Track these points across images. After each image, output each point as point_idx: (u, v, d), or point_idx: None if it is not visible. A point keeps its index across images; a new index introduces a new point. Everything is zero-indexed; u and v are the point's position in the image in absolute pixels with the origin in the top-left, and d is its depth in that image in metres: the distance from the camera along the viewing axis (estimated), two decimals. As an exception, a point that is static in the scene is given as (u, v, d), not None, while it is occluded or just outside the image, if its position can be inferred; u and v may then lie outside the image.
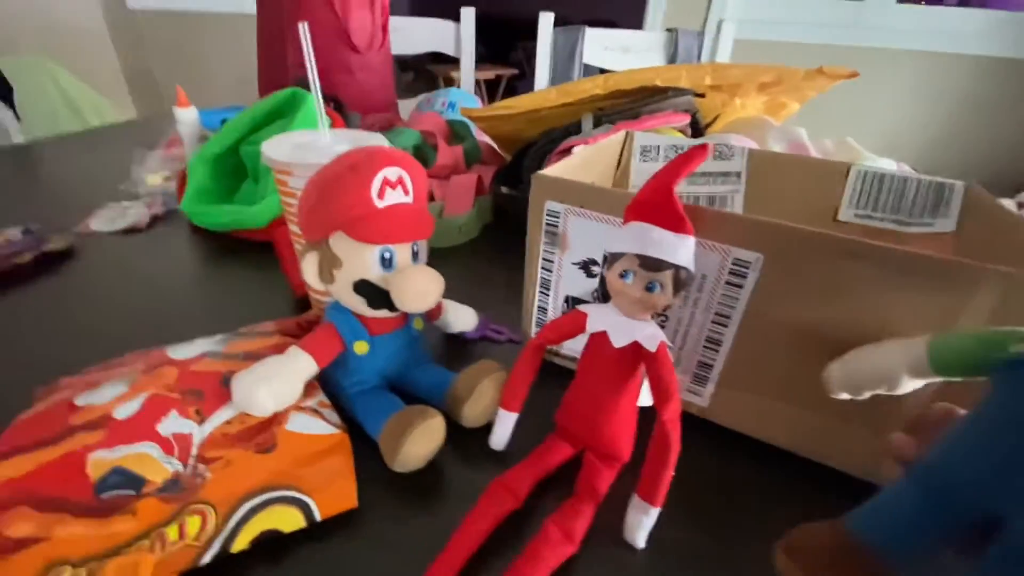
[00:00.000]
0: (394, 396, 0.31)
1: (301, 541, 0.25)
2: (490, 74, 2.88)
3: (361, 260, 0.28)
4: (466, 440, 0.31)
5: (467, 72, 1.16)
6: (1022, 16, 1.81)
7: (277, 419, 0.29)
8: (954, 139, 2.03)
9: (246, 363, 0.29)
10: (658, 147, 0.45)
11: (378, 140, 0.36)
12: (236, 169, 0.61)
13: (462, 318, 0.38)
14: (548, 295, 0.35)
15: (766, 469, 0.31)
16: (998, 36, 1.85)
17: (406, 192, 0.29)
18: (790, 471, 0.30)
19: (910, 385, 0.22)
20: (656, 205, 0.25)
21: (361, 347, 0.30)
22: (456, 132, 0.70)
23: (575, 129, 0.56)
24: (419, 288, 0.28)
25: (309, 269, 0.29)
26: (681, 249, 0.25)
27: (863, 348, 0.24)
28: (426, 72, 3.07)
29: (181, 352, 0.31)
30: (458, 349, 0.40)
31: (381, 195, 0.27)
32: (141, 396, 0.27)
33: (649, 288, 0.25)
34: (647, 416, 0.29)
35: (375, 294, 0.28)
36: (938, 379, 0.21)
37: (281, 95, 0.60)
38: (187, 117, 0.69)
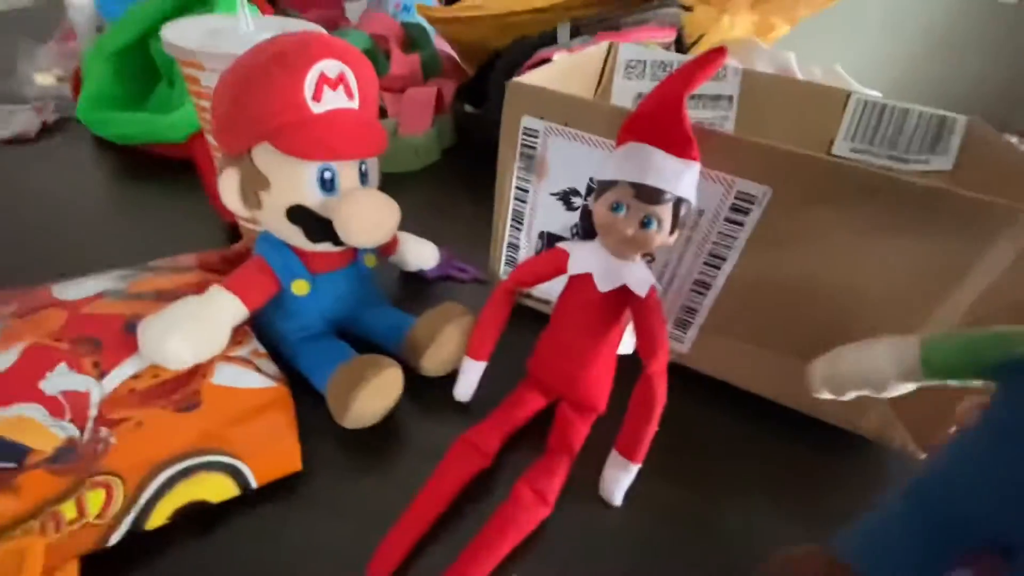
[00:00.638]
0: (343, 344, 0.27)
1: (235, 511, 0.22)
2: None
3: (294, 180, 0.22)
4: (426, 391, 0.28)
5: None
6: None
7: (200, 372, 0.24)
8: (956, 74, 1.99)
9: (156, 304, 0.24)
10: (645, 62, 0.39)
11: (313, 28, 0.29)
12: (146, 69, 0.51)
13: (421, 254, 0.34)
14: (520, 229, 0.31)
15: (746, 420, 0.29)
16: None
17: (350, 95, 0.23)
18: (772, 422, 0.29)
19: (899, 389, 0.20)
20: (661, 122, 0.21)
21: (300, 287, 0.25)
22: (413, 38, 0.61)
23: (550, 39, 0.50)
24: (369, 217, 0.23)
25: (228, 190, 0.23)
26: (685, 177, 0.21)
27: (849, 347, 0.21)
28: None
29: (71, 291, 0.25)
30: (417, 289, 0.36)
31: (317, 96, 0.22)
32: (17, 347, 0.22)
33: (645, 223, 0.21)
34: (624, 363, 0.26)
35: (314, 223, 0.23)
36: (931, 383, 0.18)
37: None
38: (79, 4, 0.56)
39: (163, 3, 0.48)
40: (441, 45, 0.63)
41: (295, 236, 0.24)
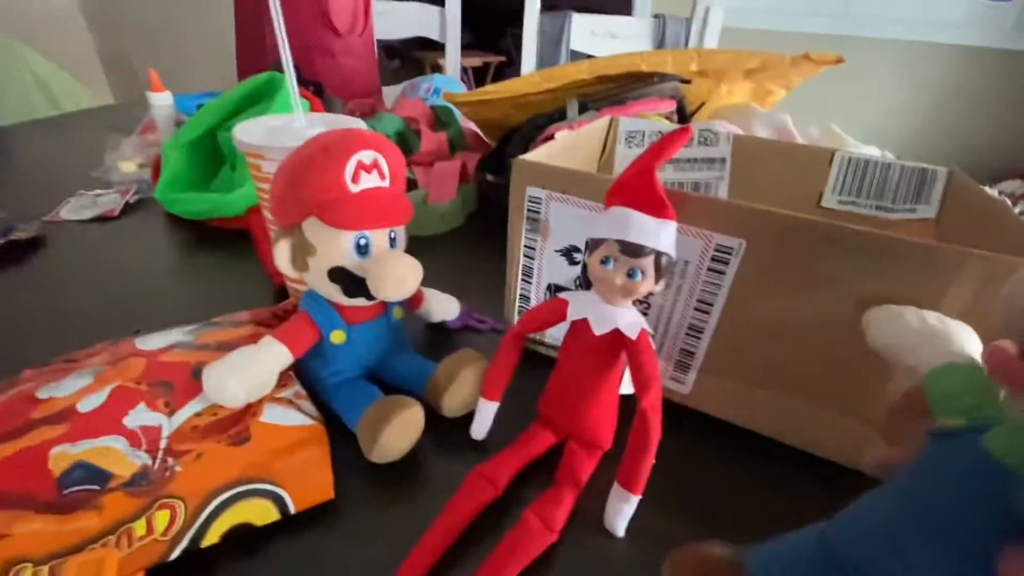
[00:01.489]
0: (373, 386, 0.30)
1: (275, 534, 0.25)
2: (477, 61, 2.84)
3: (335, 246, 0.27)
4: (446, 430, 0.30)
5: (453, 58, 1.14)
6: (1010, 6, 1.83)
7: (251, 410, 0.28)
8: (935, 128, 2.05)
9: (218, 353, 0.28)
10: (643, 132, 0.44)
11: (355, 123, 0.35)
12: (213, 155, 0.59)
13: (444, 307, 0.37)
14: (531, 283, 0.35)
15: (748, 457, 0.31)
16: (979, 25, 1.86)
17: (382, 176, 0.28)
18: (773, 459, 0.30)
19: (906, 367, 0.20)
20: (637, 189, 0.25)
21: (338, 336, 0.29)
22: (440, 118, 0.68)
23: (560, 115, 0.56)
24: (396, 275, 0.27)
25: (282, 256, 0.28)
26: (663, 234, 0.25)
27: (908, 310, 0.22)
28: (412, 59, 3.02)
29: (150, 343, 0.30)
30: (440, 339, 0.40)
31: (355, 179, 0.27)
32: (107, 388, 0.26)
33: (631, 274, 0.25)
34: (629, 404, 0.28)
35: (351, 282, 0.27)
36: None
37: (259, 79, 0.58)
38: (161, 101, 0.67)
39: (229, 102, 0.57)
40: (466, 123, 0.71)
41: (335, 293, 0.28)
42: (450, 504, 0.25)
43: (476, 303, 0.42)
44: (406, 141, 0.65)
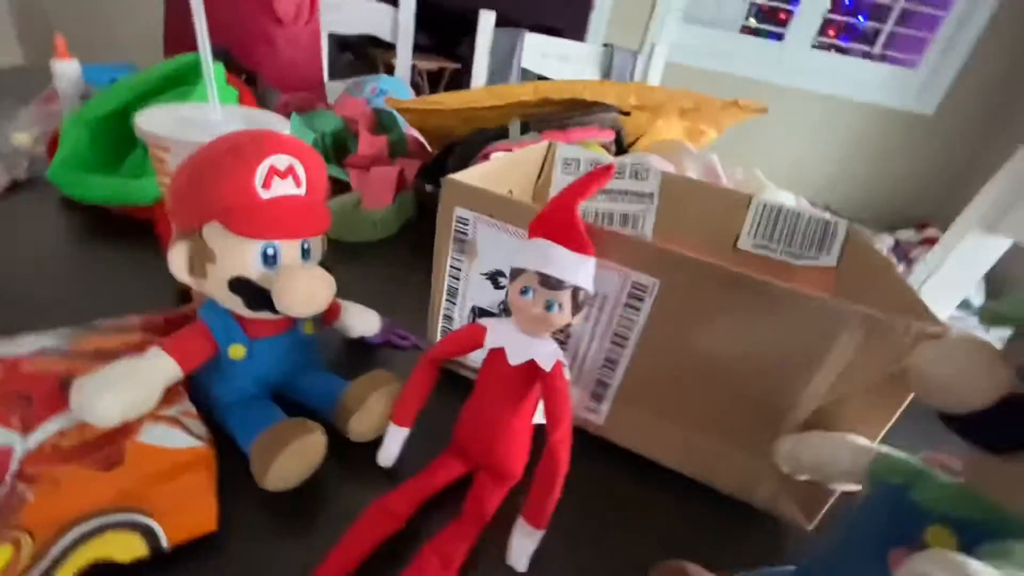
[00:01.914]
0: (274, 407, 0.28)
1: (144, 573, 0.22)
2: (433, 65, 2.82)
3: (239, 255, 0.25)
4: (354, 455, 0.29)
5: (403, 60, 1.12)
6: (916, 73, 2.05)
7: (127, 430, 0.25)
8: (849, 177, 2.26)
9: (94, 364, 0.25)
10: (579, 160, 0.45)
11: (280, 124, 0.33)
12: (124, 137, 0.54)
13: (364, 322, 0.36)
14: (455, 304, 0.34)
15: (654, 487, 0.31)
16: (894, 88, 2.07)
17: (298, 183, 0.26)
18: (678, 491, 0.31)
19: (842, 485, 0.24)
20: (559, 224, 0.25)
21: (237, 351, 0.27)
22: (382, 122, 0.67)
23: (503, 133, 0.56)
24: (306, 291, 0.25)
25: (177, 260, 0.25)
26: (581, 270, 0.25)
27: (816, 435, 0.25)
28: (365, 56, 2.94)
29: (9, 347, 0.27)
30: (359, 355, 0.38)
31: (267, 185, 0.25)
32: (-54, 400, 0.23)
33: (548, 307, 0.25)
34: (542, 434, 0.28)
35: (254, 294, 0.26)
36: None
37: (185, 59, 0.54)
38: (67, 71, 0.60)
39: (147, 80, 0.53)
40: (410, 129, 0.69)
41: (235, 304, 0.26)
42: (346, 537, 0.23)
43: (402, 318, 0.41)
44: (343, 142, 0.63)
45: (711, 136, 0.66)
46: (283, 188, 0.26)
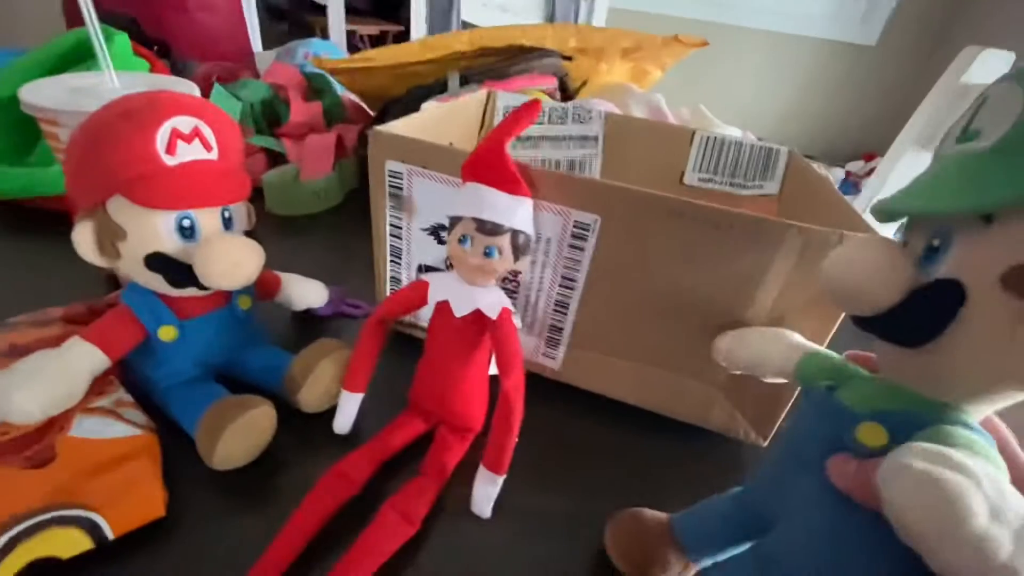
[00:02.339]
0: (216, 386, 0.27)
1: (89, 565, 0.21)
2: (374, 29, 2.67)
3: (150, 229, 0.23)
4: (308, 426, 0.28)
5: (336, 22, 1.06)
6: (856, 3, 2.06)
7: (57, 425, 0.24)
8: (798, 113, 2.29)
9: (7, 361, 0.23)
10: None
11: (184, 86, 0.30)
12: (26, 123, 0.50)
13: (308, 293, 0.35)
14: (400, 264, 0.33)
15: (614, 425, 0.32)
16: (836, 20, 2.08)
17: (207, 147, 0.24)
18: (638, 425, 0.32)
19: (773, 379, 0.24)
20: (490, 165, 0.24)
21: (168, 333, 0.26)
22: (315, 87, 0.63)
23: (441, 87, 0.53)
24: (228, 260, 0.24)
25: (83, 242, 0.23)
26: (518, 212, 0.24)
27: (752, 332, 0.25)
28: (304, 23, 2.77)
29: (-90, 352, 0.24)
30: (310, 328, 0.37)
31: (171, 150, 0.23)
32: None
33: (487, 253, 0.24)
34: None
35: (175, 269, 0.24)
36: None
37: (83, 33, 0.49)
38: (-48, 54, 0.54)
39: (45, 58, 0.48)
40: (347, 93, 0.66)
41: (157, 283, 0.24)
42: (300, 508, 0.23)
43: (353, 287, 0.40)
44: (275, 111, 0.59)
45: (656, 76, 0.65)
46: (191, 153, 0.24)
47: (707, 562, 0.22)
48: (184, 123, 0.23)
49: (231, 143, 0.26)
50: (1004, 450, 0.14)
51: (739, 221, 0.24)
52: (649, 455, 0.31)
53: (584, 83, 0.62)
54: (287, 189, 0.50)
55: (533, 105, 0.24)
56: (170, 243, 0.24)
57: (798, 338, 0.24)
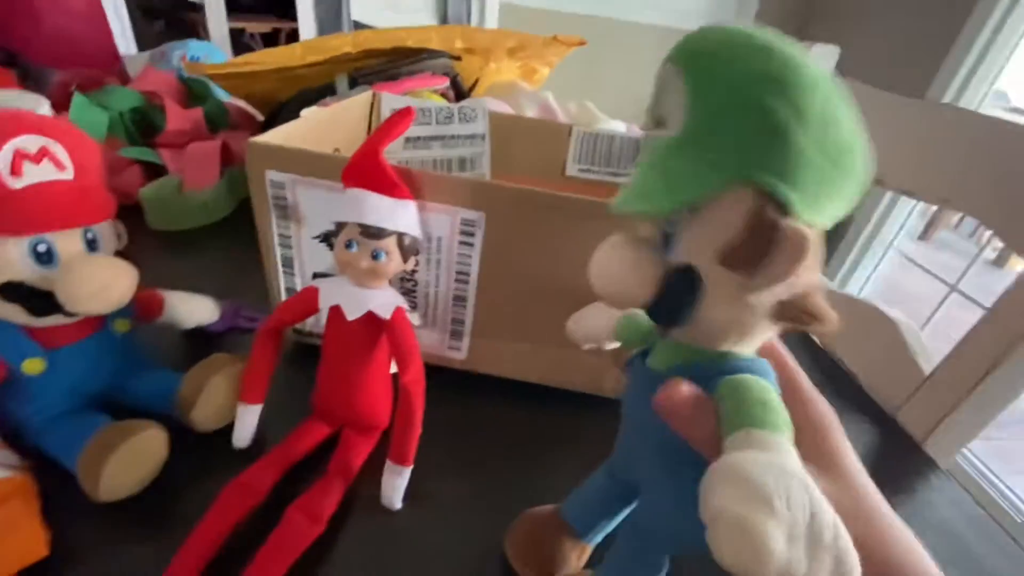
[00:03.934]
0: (97, 415, 0.26)
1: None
2: (266, 26, 2.51)
3: (1, 258, 0.22)
4: (205, 446, 0.28)
5: (216, 20, 0.99)
6: None
7: (-91, 479, 0.22)
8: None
9: None
10: (408, 110, 0.44)
11: (34, 102, 0.28)
12: None
13: (196, 310, 0.33)
14: (293, 274, 0.33)
15: (522, 404, 0.34)
16: (715, 15, 2.26)
17: (59, 167, 0.23)
18: (542, 402, 0.34)
19: (611, 345, 0.25)
20: (368, 172, 0.25)
21: (33, 366, 0.24)
22: (194, 92, 0.60)
23: (330, 90, 0.53)
24: (93, 283, 0.23)
25: (-79, 278, 0.21)
26: (400, 214, 0.25)
27: (586, 308, 0.26)
28: (182, 22, 2.54)
29: None
30: (203, 346, 0.36)
31: (16, 171, 0.21)
32: None
33: (375, 256, 0.25)
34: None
35: (34, 298, 0.23)
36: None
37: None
38: None
39: None
40: (235, 98, 0.63)
41: (15, 314, 0.23)
42: (200, 524, 0.23)
43: (249, 300, 0.39)
44: (149, 119, 0.55)
45: (544, 73, 0.68)
46: (40, 174, 0.22)
47: (598, 538, 0.24)
48: (29, 143, 0.22)
49: (88, 160, 0.25)
50: (782, 370, 0.17)
51: (600, 209, 0.27)
52: (553, 427, 0.33)
53: (476, 82, 0.63)
54: (169, 203, 0.48)
55: (405, 112, 0.25)
56: (25, 270, 0.22)
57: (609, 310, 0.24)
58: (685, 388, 0.15)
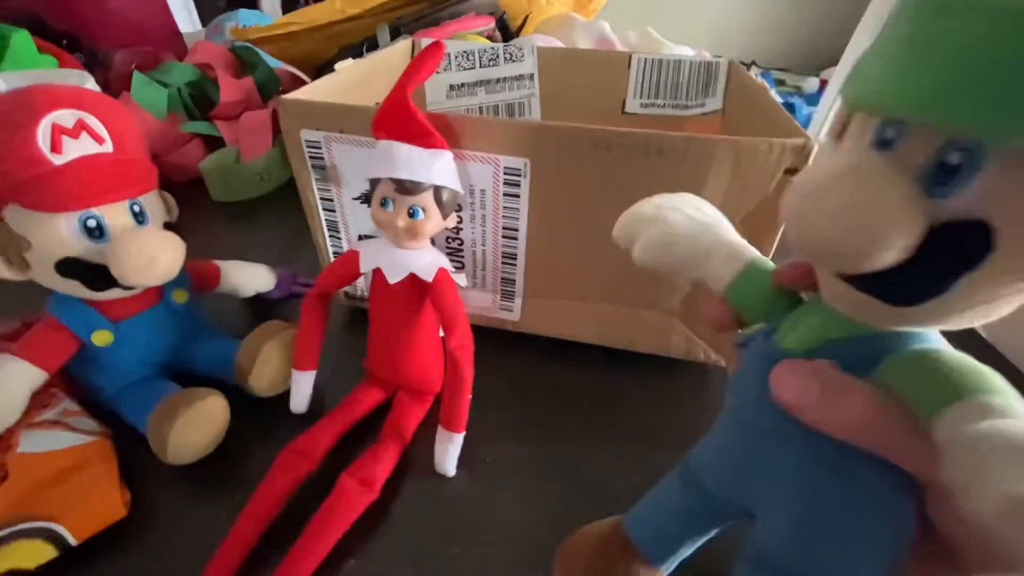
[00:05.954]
0: (166, 383, 0.27)
1: (61, 569, 0.22)
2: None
3: (53, 235, 0.22)
4: (265, 411, 0.28)
5: (267, -12, 0.99)
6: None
7: (4, 444, 0.23)
8: (771, 27, 2.19)
9: (-61, 386, 0.23)
10: (450, 55, 0.41)
11: (76, 79, 0.28)
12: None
13: (253, 279, 0.34)
14: (340, 237, 0.32)
15: (580, 367, 0.32)
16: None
17: (98, 140, 0.23)
18: (603, 364, 0.32)
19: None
20: (397, 120, 0.22)
21: (102, 338, 0.25)
22: (244, 61, 0.60)
23: (372, 44, 0.51)
24: (142, 256, 0.23)
25: (-14, 258, 0.22)
26: (435, 166, 0.23)
27: (642, 211, 0.20)
28: (241, -7, 2.60)
29: None
30: (263, 313, 0.36)
31: (56, 148, 0.21)
32: None
33: (412, 214, 0.23)
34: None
35: (90, 273, 0.23)
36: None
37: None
38: None
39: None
40: (286, 64, 0.62)
41: (76, 289, 0.24)
42: (257, 492, 0.23)
43: (306, 267, 0.39)
44: (205, 93, 0.56)
45: (600, 2, 0.61)
46: (80, 148, 0.22)
47: (674, 564, 0.19)
48: (65, 117, 0.22)
49: (126, 132, 0.24)
50: None
51: (666, 143, 0.23)
52: (615, 390, 0.31)
53: (526, 19, 0.58)
54: (228, 174, 0.49)
55: (434, 49, 0.22)
56: (79, 246, 0.23)
57: (736, 240, 0.18)
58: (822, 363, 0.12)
